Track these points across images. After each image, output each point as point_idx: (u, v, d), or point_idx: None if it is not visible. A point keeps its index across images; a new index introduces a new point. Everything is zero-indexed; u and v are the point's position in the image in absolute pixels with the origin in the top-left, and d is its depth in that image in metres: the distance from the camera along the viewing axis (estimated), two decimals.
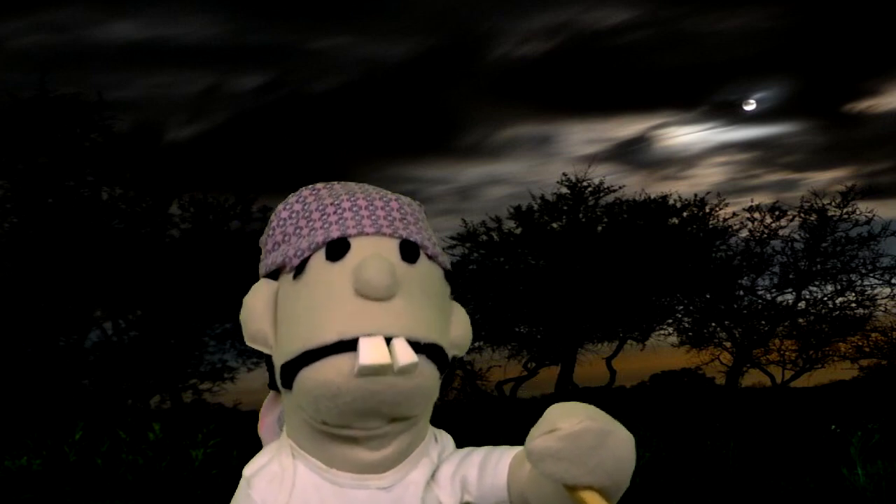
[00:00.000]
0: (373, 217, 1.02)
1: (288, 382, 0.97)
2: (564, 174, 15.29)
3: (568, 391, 15.06)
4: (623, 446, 0.88)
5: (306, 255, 1.00)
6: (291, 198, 1.09)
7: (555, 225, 15.34)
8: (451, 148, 22.04)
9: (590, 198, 15.23)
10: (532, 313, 14.65)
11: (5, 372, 12.08)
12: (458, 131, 24.19)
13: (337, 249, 0.99)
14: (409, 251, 1.01)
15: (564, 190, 15.19)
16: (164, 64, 20.54)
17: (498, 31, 21.27)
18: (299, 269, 1.00)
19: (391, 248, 1.00)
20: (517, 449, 1.03)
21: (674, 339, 15.67)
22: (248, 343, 1.03)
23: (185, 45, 19.63)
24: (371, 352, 0.91)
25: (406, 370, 0.92)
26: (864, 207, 14.56)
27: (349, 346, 0.92)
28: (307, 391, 0.95)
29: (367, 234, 1.00)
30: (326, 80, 23.25)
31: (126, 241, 12.82)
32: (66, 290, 12.26)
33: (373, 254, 0.97)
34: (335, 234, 1.00)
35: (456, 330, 1.06)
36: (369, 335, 0.92)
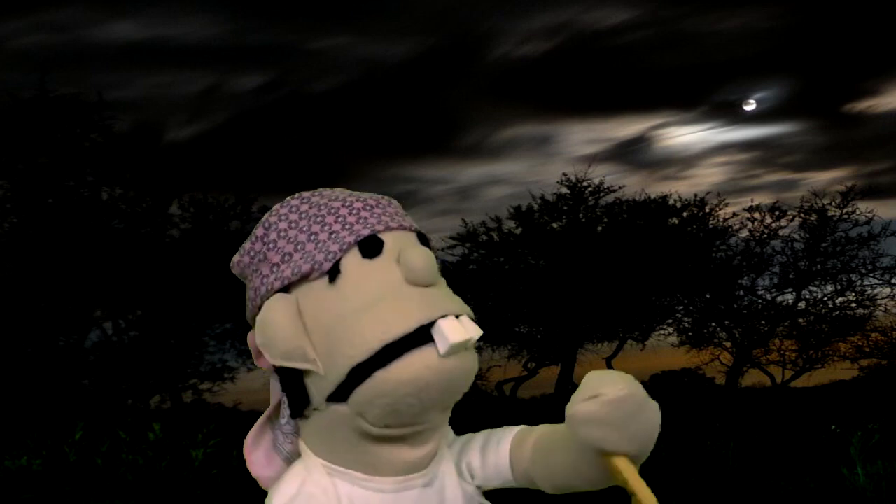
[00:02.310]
0: (387, 213, 1.03)
1: (347, 392, 0.93)
2: (564, 174, 15.31)
3: (568, 391, 15.03)
4: (656, 415, 0.92)
5: (338, 256, 0.98)
6: (282, 209, 1.05)
7: (555, 225, 15.34)
8: (451, 148, 22.05)
9: (590, 198, 15.24)
10: (532, 313, 14.66)
11: (5, 372, 12.08)
12: (458, 131, 24.20)
13: (372, 246, 0.99)
14: (425, 242, 1.05)
15: (564, 190, 15.22)
16: (164, 64, 20.55)
17: (498, 31, 21.28)
18: (334, 273, 0.98)
19: (414, 240, 1.03)
20: (516, 429, 1.06)
21: (674, 339, 15.69)
22: (281, 362, 0.96)
23: (185, 45, 19.65)
24: (455, 330, 0.93)
25: (473, 345, 0.97)
26: (864, 207, 14.59)
27: (425, 330, 0.93)
28: (388, 392, 0.92)
29: (392, 228, 1.02)
30: (326, 80, 23.26)
31: (126, 241, 12.82)
32: (66, 290, 12.26)
33: (410, 244, 1.00)
34: (364, 231, 1.00)
35: None
36: (443, 317, 0.94)
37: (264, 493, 1.05)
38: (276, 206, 1.07)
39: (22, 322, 12.31)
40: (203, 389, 14.14)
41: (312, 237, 1.01)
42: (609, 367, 15.41)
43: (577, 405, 0.90)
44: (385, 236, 1.00)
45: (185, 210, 13.89)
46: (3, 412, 10.62)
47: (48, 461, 7.08)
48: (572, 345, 15.02)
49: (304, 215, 1.03)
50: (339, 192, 1.07)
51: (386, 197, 1.09)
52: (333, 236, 0.99)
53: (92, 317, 13.43)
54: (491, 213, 18.46)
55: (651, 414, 0.91)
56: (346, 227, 1.00)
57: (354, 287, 0.97)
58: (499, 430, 1.07)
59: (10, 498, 6.55)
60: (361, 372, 0.92)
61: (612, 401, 0.88)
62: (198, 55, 19.77)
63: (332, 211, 1.02)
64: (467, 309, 0.98)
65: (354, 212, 1.02)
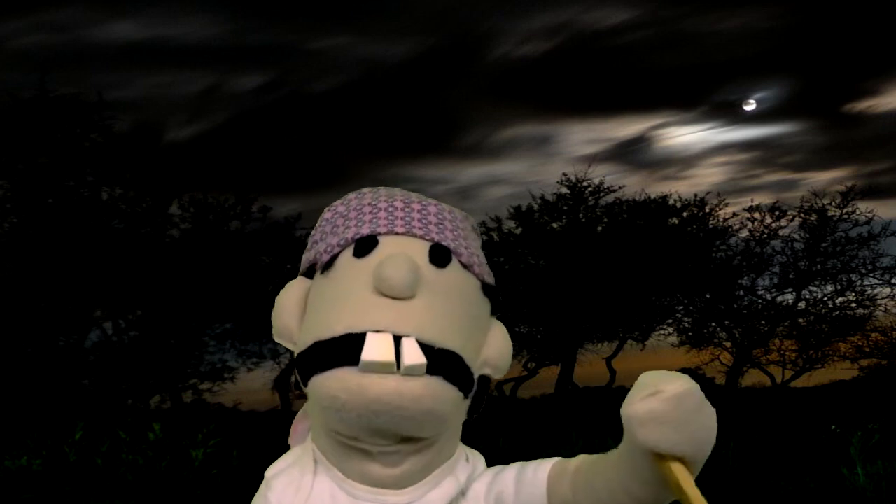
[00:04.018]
0: (406, 218, 1.00)
1: (304, 379, 0.96)
2: (564, 174, 15.33)
3: (568, 391, 15.05)
4: (713, 418, 0.87)
5: (336, 251, 1.00)
6: (337, 201, 1.08)
7: (555, 225, 15.36)
8: (451, 148, 22.06)
9: (590, 198, 15.25)
10: (532, 313, 14.66)
11: (5, 372, 12.08)
12: (458, 131, 24.21)
13: (364, 246, 0.98)
14: (440, 255, 0.99)
15: (564, 190, 15.23)
16: (164, 64, 20.56)
17: (498, 31, 21.29)
18: (328, 265, 1.00)
19: (420, 249, 0.98)
20: (553, 461, 1.02)
21: (674, 339, 15.70)
22: (276, 339, 1.02)
23: (185, 45, 19.66)
24: (375, 348, 0.89)
25: (411, 371, 0.89)
26: (864, 207, 14.61)
27: (357, 340, 0.90)
28: (317, 400, 0.94)
29: (398, 233, 0.99)
30: (326, 80, 23.28)
31: (126, 241, 12.82)
32: (66, 290, 12.26)
33: (397, 252, 0.95)
34: (365, 231, 0.99)
35: (491, 348, 1.04)
36: (378, 331, 0.90)
37: None
38: (340, 198, 1.10)
39: (22, 322, 12.31)
40: (203, 389, 14.15)
41: (334, 230, 1.03)
42: (609, 367, 15.46)
43: (636, 403, 0.84)
44: (385, 239, 0.98)
45: (185, 210, 13.91)
46: (3, 412, 10.62)
47: (48, 461, 7.08)
48: (572, 345, 15.03)
49: (345, 209, 1.05)
50: (388, 191, 1.06)
51: (438, 204, 1.05)
52: (345, 231, 1.01)
53: (92, 317, 13.43)
54: (491, 213, 18.42)
55: (709, 414, 0.86)
56: (357, 224, 1.01)
57: (333, 282, 0.98)
58: (534, 461, 1.02)
59: (10, 498, 6.55)
60: (304, 366, 0.95)
61: (672, 397, 0.83)
62: (198, 55, 19.79)
63: (359, 208, 1.03)
64: (433, 335, 0.92)
65: (374, 211, 1.01)
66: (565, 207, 15.28)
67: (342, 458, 0.98)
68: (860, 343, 15.14)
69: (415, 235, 0.99)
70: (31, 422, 9.10)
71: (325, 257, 1.00)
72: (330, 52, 21.55)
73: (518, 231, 15.46)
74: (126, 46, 18.42)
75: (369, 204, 1.03)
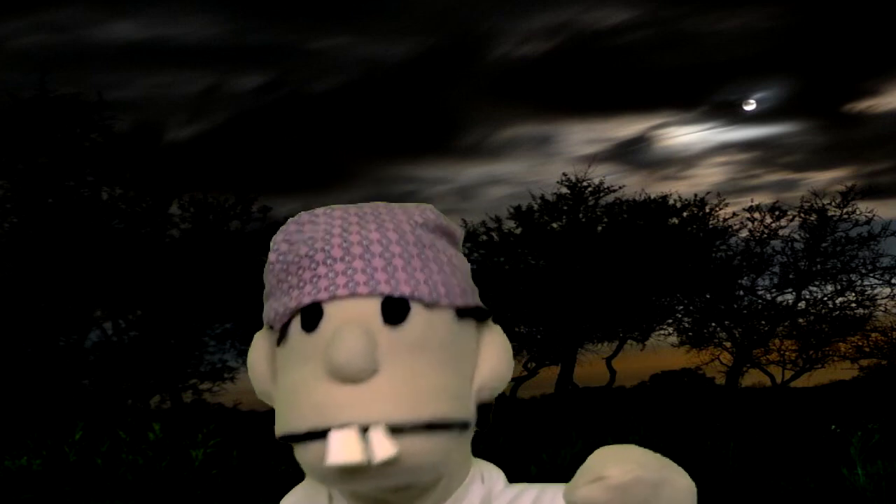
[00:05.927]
0: (347, 272, 0.87)
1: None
2: (564, 174, 15.34)
3: (568, 391, 15.06)
4: (681, 497, 0.78)
5: (284, 320, 0.89)
6: (279, 236, 0.95)
7: (555, 225, 15.36)
8: (451, 148, 22.10)
9: (590, 198, 15.26)
10: (532, 313, 14.67)
11: (5, 372, 12.09)
12: (458, 131, 24.26)
13: (310, 319, 0.87)
14: (394, 311, 0.87)
15: (564, 190, 15.24)
16: (164, 64, 20.61)
17: (498, 31, 21.34)
18: (282, 335, 0.90)
19: (370, 310, 0.86)
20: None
21: (674, 339, 15.71)
22: (259, 398, 0.98)
23: (185, 45, 19.71)
24: (340, 449, 0.81)
25: (384, 464, 0.81)
26: (864, 207, 14.63)
27: (322, 436, 0.82)
28: (303, 464, 0.87)
29: (340, 297, 0.86)
30: (326, 80, 23.34)
31: (126, 241, 12.83)
32: (66, 290, 12.26)
33: (344, 327, 0.84)
34: (307, 299, 0.87)
35: (484, 370, 0.95)
36: (341, 426, 0.81)
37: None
38: (280, 231, 0.95)
39: (22, 322, 12.31)
40: (203, 389, 14.15)
41: (280, 285, 0.92)
42: (609, 367, 15.46)
43: (578, 489, 0.76)
44: (329, 307, 0.86)
45: (185, 210, 13.92)
46: (3, 412, 10.62)
47: (48, 461, 7.08)
48: (572, 345, 15.03)
49: (290, 249, 0.92)
50: (328, 223, 0.92)
51: (382, 230, 0.90)
52: (289, 292, 0.90)
53: (92, 317, 13.44)
54: (491, 213, 18.45)
55: (671, 497, 0.77)
56: (299, 285, 0.89)
57: (289, 362, 0.89)
58: (554, 485, 0.96)
59: (10, 498, 6.55)
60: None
61: (616, 486, 0.74)
62: (198, 55, 19.83)
63: (297, 261, 0.91)
64: (403, 413, 0.82)
65: (313, 266, 0.89)
66: (565, 207, 15.29)
67: (353, 499, 0.94)
68: (860, 343, 15.17)
69: (359, 295, 0.87)
70: (31, 422, 9.11)
71: (278, 325, 0.91)
72: (330, 52, 21.60)
73: (518, 231, 15.48)
74: (126, 46, 18.47)
75: (307, 256, 0.90)
